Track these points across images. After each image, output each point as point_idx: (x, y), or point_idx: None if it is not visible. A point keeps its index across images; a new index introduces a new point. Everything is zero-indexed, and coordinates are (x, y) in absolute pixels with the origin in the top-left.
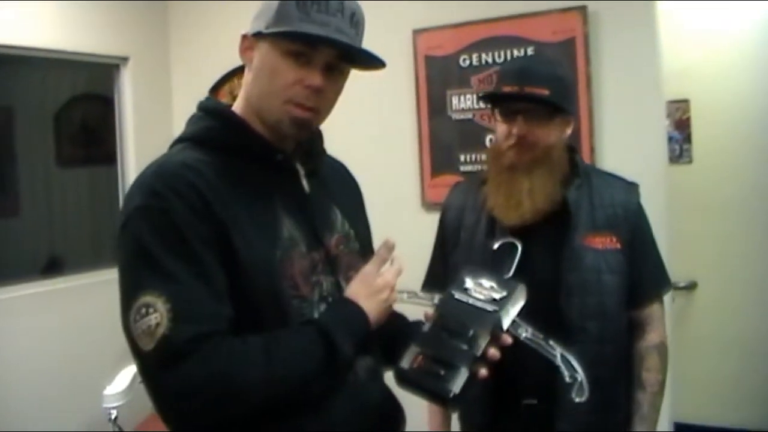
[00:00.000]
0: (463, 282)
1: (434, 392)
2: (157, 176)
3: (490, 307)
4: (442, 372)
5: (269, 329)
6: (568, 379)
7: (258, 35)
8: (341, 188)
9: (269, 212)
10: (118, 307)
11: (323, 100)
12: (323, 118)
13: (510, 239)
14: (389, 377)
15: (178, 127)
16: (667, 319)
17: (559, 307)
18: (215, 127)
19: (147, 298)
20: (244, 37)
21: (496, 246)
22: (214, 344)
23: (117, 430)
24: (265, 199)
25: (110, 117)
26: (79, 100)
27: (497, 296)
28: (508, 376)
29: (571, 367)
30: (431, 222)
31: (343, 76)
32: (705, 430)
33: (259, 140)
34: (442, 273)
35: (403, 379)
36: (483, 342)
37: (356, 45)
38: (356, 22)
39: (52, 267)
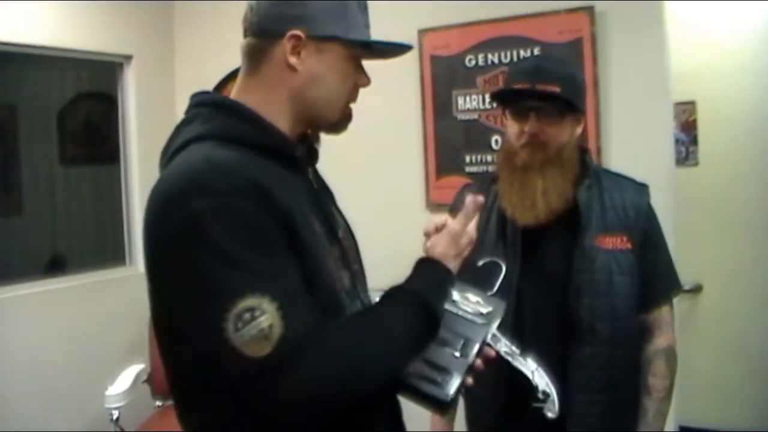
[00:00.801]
0: (451, 294)
1: (431, 397)
2: (213, 174)
3: (479, 320)
4: (439, 378)
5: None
6: (540, 396)
7: (324, 39)
8: (326, 186)
9: (301, 206)
10: (120, 307)
11: None
12: None
13: (494, 259)
14: None
15: None
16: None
17: (569, 308)
18: (237, 124)
19: (247, 302)
20: (298, 37)
21: (480, 263)
22: (326, 334)
23: (119, 430)
24: (295, 195)
25: (114, 115)
26: (83, 98)
27: (483, 310)
28: (516, 378)
29: (545, 383)
30: None
31: None
32: None
33: (281, 137)
34: None
35: (398, 382)
36: (473, 352)
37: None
38: None
39: (56, 266)
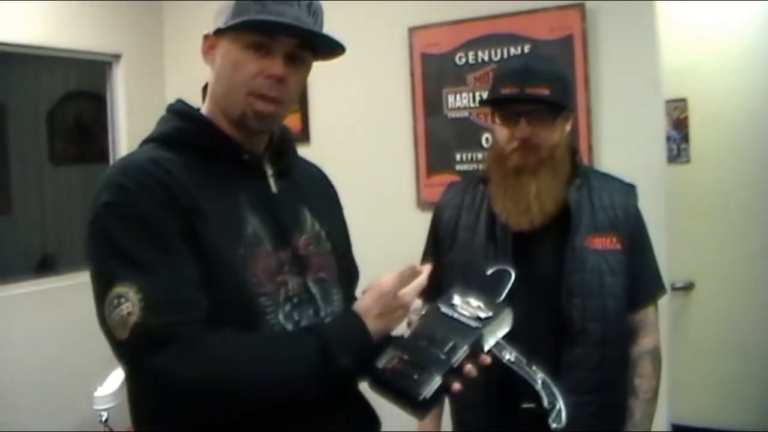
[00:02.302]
0: (451, 298)
1: (404, 393)
2: (122, 172)
3: (473, 324)
4: (416, 376)
5: (236, 325)
6: (546, 405)
7: (218, 33)
8: (314, 190)
9: (233, 210)
10: None
11: (286, 91)
12: (286, 109)
13: (504, 266)
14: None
15: None
16: (664, 321)
17: (561, 309)
18: (183, 128)
19: (119, 289)
20: (206, 37)
21: (489, 272)
22: (196, 334)
23: (108, 431)
24: (230, 197)
25: (103, 115)
26: (72, 97)
27: (483, 315)
28: (507, 380)
29: (551, 393)
30: (427, 221)
31: (306, 66)
32: None
33: (225, 140)
34: (434, 274)
35: (376, 378)
36: (461, 355)
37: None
38: (314, 11)
39: (45, 265)
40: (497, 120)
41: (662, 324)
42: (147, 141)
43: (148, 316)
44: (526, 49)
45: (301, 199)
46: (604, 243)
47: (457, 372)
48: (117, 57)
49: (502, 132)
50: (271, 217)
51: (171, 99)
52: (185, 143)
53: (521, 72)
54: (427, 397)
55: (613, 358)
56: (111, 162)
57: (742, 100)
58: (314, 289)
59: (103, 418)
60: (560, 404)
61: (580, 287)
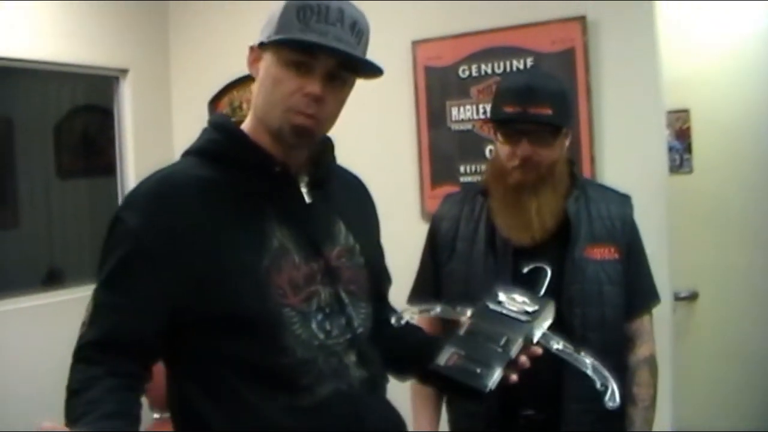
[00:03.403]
0: (497, 296)
1: (470, 387)
2: (137, 189)
3: (523, 318)
4: (479, 370)
5: (263, 337)
6: (599, 387)
7: (261, 46)
8: (351, 202)
9: (259, 222)
10: None
11: (323, 109)
12: (325, 127)
13: (540, 264)
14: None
15: (178, 139)
16: (668, 330)
17: (561, 318)
18: (217, 140)
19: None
20: (252, 48)
21: (525, 270)
22: (84, 357)
23: None
24: (257, 209)
25: (110, 129)
26: (79, 111)
27: (530, 309)
28: (506, 386)
29: (602, 375)
30: None
31: (347, 85)
32: None
33: (257, 152)
34: (432, 284)
35: (439, 374)
36: (516, 348)
37: (355, 53)
38: (358, 30)
39: (52, 279)
40: (499, 137)
41: (666, 333)
42: (186, 153)
43: (86, 332)
44: (528, 61)
45: (336, 211)
46: (603, 253)
47: (513, 363)
48: (124, 72)
49: (503, 149)
50: (302, 228)
51: (177, 114)
52: (218, 156)
53: (523, 91)
54: (492, 388)
55: (613, 366)
56: (118, 175)
57: (745, 111)
58: (346, 300)
59: None
60: (612, 385)
61: (580, 297)
